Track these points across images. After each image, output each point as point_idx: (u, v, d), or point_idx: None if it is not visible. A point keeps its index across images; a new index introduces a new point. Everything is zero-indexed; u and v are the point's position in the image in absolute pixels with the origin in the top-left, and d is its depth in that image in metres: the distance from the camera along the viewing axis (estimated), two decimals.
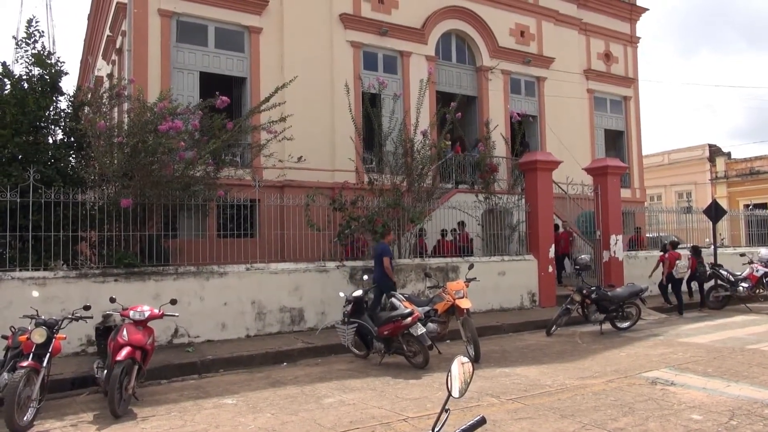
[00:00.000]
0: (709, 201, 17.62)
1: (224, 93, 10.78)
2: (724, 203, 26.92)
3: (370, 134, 14.31)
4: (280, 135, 11.03)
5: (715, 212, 15.72)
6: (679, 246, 14.21)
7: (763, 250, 14.48)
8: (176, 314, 7.14)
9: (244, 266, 10.02)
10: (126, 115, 10.66)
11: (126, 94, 10.77)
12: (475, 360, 8.13)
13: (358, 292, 8.63)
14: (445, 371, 6.74)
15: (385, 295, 9.71)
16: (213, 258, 10.17)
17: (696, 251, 13.76)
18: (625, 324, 10.72)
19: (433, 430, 1.86)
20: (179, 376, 7.65)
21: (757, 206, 26.52)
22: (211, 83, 13.78)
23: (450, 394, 1.94)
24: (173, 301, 7.00)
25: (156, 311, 6.61)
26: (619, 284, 12.60)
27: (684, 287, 13.55)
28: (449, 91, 17.31)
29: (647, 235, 19.69)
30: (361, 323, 8.35)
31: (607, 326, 10.68)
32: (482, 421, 1.98)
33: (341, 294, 8.85)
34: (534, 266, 13.34)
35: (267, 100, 11.00)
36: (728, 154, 34.81)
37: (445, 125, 13.81)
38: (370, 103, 13.69)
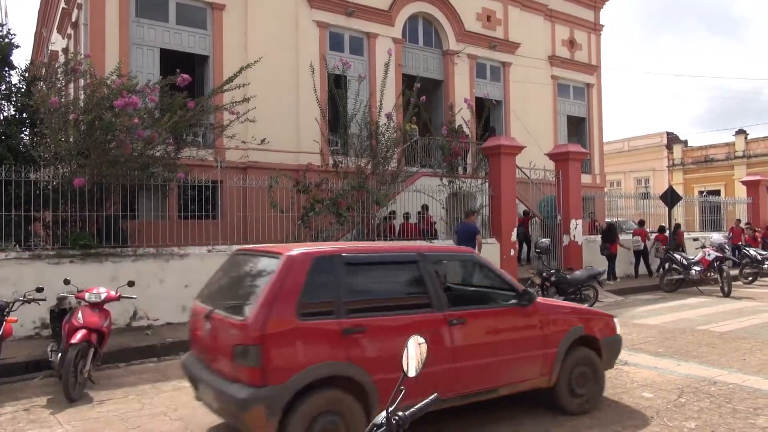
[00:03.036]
0: (666, 187, 18.13)
1: (186, 72, 10.52)
2: (680, 190, 27.73)
3: (335, 116, 14.22)
4: (243, 116, 10.85)
5: (670, 198, 16.21)
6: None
7: (715, 235, 15.03)
8: (134, 296, 7.01)
9: (206, 248, 9.87)
10: (82, 92, 10.32)
11: (82, 69, 10.39)
12: None
13: None
14: None
15: None
16: (174, 240, 9.99)
17: (661, 230, 15.86)
18: (583, 306, 10.98)
19: (386, 409, 1.88)
20: (138, 360, 7.53)
21: (710, 193, 27.48)
22: (172, 61, 13.41)
23: (405, 373, 1.96)
24: (131, 283, 6.86)
25: (113, 293, 6.47)
26: (578, 267, 12.91)
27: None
28: (416, 74, 17.28)
29: (606, 220, 20.19)
30: None
31: None
32: (436, 400, 2.01)
33: None
34: (497, 249, 13.51)
35: (231, 80, 10.78)
36: (685, 142, 35.83)
37: (409, 108, 13.80)
38: (336, 84, 13.56)
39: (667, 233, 16.11)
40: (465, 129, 16.75)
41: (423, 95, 14.30)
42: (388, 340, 4.27)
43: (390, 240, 12.39)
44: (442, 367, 4.43)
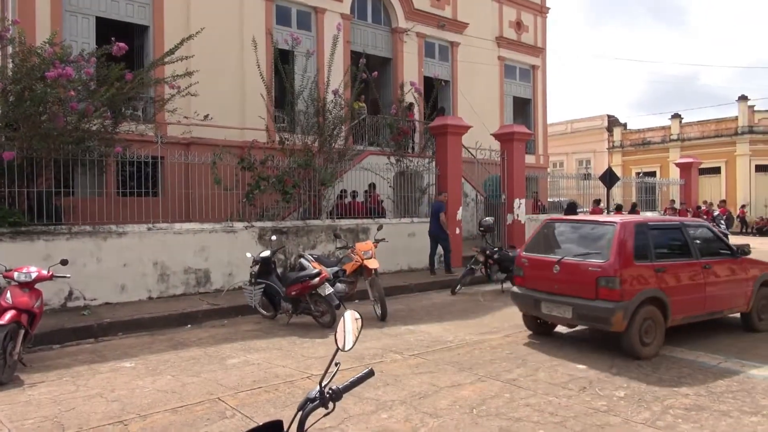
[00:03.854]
0: (606, 168, 18.76)
1: (125, 43, 10.04)
2: (619, 171, 28.79)
3: (282, 92, 13.95)
4: (185, 90, 10.49)
5: (609, 179, 16.79)
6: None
7: (649, 215, 15.67)
8: (68, 275, 6.74)
9: (146, 226, 9.58)
10: (10, 60, 9.71)
11: (9, 36, 9.77)
12: (382, 318, 8.33)
13: (266, 253, 8.51)
14: None
15: (295, 255, 9.70)
16: (112, 217, 9.64)
17: (618, 208, 17.22)
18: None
19: (320, 383, 1.88)
20: (73, 341, 7.27)
21: (647, 174, 28.61)
22: (109, 30, 12.71)
23: (338, 348, 1.96)
24: (64, 262, 6.59)
25: (44, 272, 6.20)
26: (520, 246, 13.24)
27: None
28: (364, 51, 17.13)
29: (548, 199, 20.75)
30: (269, 284, 8.27)
31: (507, 285, 11.19)
32: (370, 374, 2.03)
33: (248, 254, 8.69)
34: None
35: (172, 52, 10.36)
36: (624, 125, 37.09)
37: (357, 85, 13.66)
38: (282, 60, 13.28)
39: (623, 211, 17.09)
40: (416, 107, 16.79)
41: (374, 72, 14.21)
42: (677, 276, 6.69)
43: (338, 219, 12.37)
44: (700, 295, 6.90)
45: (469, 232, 16.35)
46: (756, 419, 4.55)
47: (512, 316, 8.75)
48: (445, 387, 5.28)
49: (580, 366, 5.99)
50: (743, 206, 30.08)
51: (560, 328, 7.65)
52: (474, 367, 5.92)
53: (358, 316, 2.07)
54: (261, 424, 1.93)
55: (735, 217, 27.81)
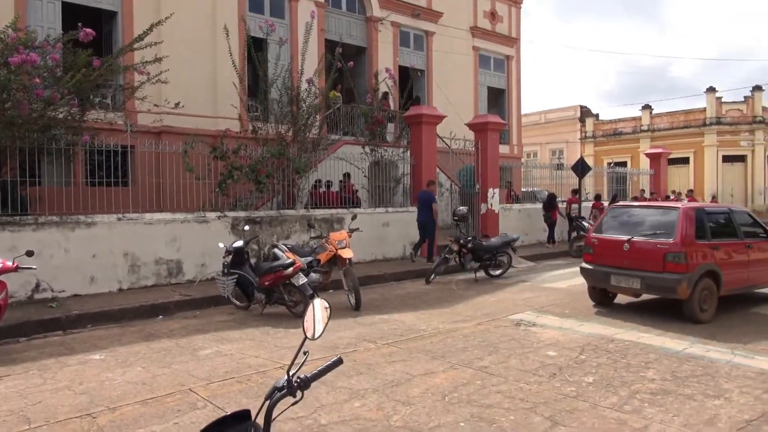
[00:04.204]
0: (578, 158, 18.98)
1: (92, 28, 9.78)
2: (591, 161, 29.15)
3: (255, 81, 13.78)
4: (155, 77, 10.28)
5: (581, 169, 17.01)
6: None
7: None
8: (34, 267, 6.60)
9: (116, 216, 9.41)
10: None
11: None
12: (356, 308, 8.34)
13: (239, 243, 8.44)
14: None
15: (269, 245, 9.64)
16: (81, 207, 9.44)
17: (597, 197, 18.00)
18: (498, 271, 11.45)
19: (288, 372, 1.88)
20: (41, 333, 7.12)
21: (617, 164, 29.05)
22: (76, 16, 12.43)
23: (306, 337, 1.96)
24: (29, 253, 6.43)
25: (9, 263, 6.05)
26: (494, 235, 13.37)
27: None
28: (338, 40, 16.98)
29: (522, 189, 20.95)
30: (242, 274, 8.20)
31: (481, 274, 11.37)
32: (339, 362, 2.03)
33: (221, 245, 8.61)
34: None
35: (141, 38, 10.13)
36: (596, 116, 37.53)
37: (332, 73, 13.57)
38: (255, 47, 13.10)
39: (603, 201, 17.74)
40: (390, 96, 16.75)
41: (349, 61, 14.11)
42: (728, 253, 7.96)
43: (313, 208, 12.32)
44: (744, 270, 8.18)
45: (444, 221, 16.40)
46: (718, 402, 4.68)
47: (485, 304, 8.86)
48: (418, 375, 5.32)
49: (551, 353, 6.09)
50: (714, 197, 30.78)
51: (620, 299, 8.83)
52: (447, 355, 5.97)
53: (327, 304, 2.07)
54: (229, 413, 1.92)
55: None
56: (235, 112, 13.30)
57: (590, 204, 17.45)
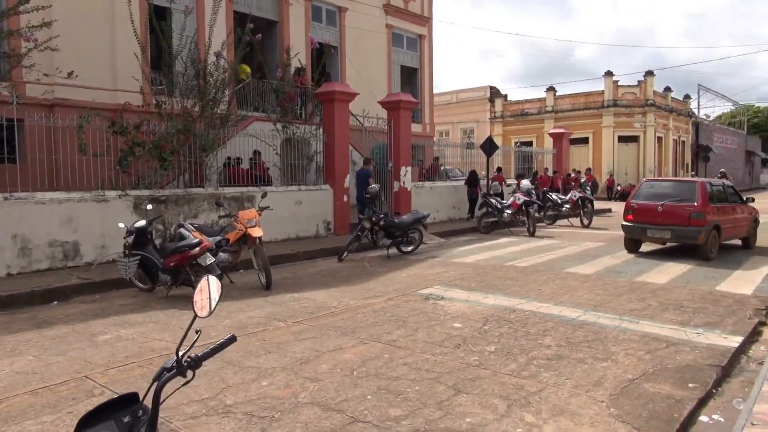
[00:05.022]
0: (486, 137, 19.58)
1: None
2: (500, 140, 30.21)
3: (158, 52, 13.06)
4: (43, 44, 9.51)
5: (489, 148, 17.58)
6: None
7: (524, 182, 16.65)
8: None
9: (2, 195, 8.69)
10: None
11: None
12: (267, 287, 8.24)
13: (141, 222, 8.06)
14: (236, 300, 6.70)
15: (175, 225, 9.28)
16: None
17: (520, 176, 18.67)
18: (409, 248, 11.67)
19: (177, 351, 1.82)
20: None
21: (524, 143, 30.29)
22: None
23: (196, 315, 1.90)
24: None
25: None
26: (407, 212, 13.59)
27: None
28: (248, 12, 16.40)
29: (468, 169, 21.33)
30: (145, 255, 7.86)
31: (393, 251, 11.54)
32: (232, 339, 1.99)
33: (121, 225, 8.18)
34: (330, 196, 13.71)
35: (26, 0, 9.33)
36: (505, 96, 38.83)
37: (242, 47, 13.09)
38: (158, 16, 12.39)
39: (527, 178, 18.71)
40: (303, 72, 16.43)
41: (257, 34, 13.65)
42: (725, 213, 11.34)
43: (224, 187, 11.95)
44: (733, 224, 11.54)
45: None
46: (606, 364, 5.05)
47: (397, 280, 9.02)
48: (327, 351, 5.36)
49: (457, 325, 6.31)
50: (610, 175, 32.84)
51: (645, 247, 12.14)
52: (356, 331, 6.04)
53: (217, 281, 2.01)
54: (116, 396, 1.84)
55: (600, 184, 30.34)
56: (137, 84, 12.57)
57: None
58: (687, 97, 40.04)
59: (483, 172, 18.30)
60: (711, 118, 45.50)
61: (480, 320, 6.50)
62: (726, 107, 50.81)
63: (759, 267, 10.18)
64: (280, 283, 8.67)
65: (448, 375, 4.75)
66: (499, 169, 18.55)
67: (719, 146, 42.10)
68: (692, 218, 10.66)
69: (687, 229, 10.71)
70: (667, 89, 35.99)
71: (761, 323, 6.52)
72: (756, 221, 12.78)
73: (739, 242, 12.57)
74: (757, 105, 56.30)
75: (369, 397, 4.29)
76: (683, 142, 39.08)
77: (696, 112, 41.03)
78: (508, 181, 18.82)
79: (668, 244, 12.22)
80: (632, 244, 11.89)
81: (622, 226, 11.76)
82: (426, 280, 8.96)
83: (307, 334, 5.94)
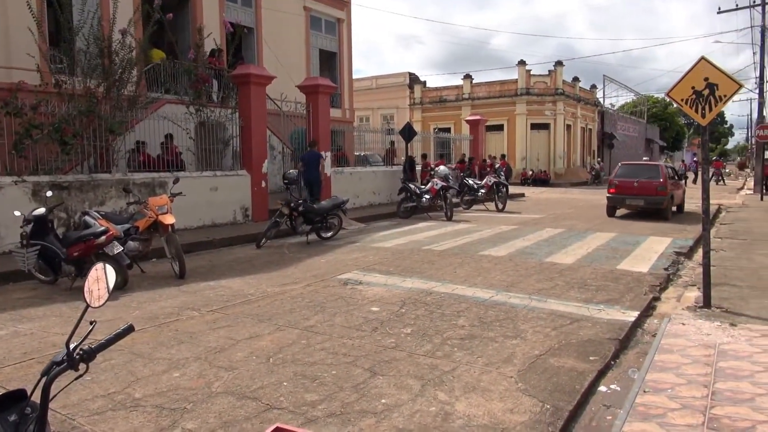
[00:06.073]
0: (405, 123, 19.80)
1: None
2: (419, 127, 30.62)
3: (57, 27, 12.17)
4: None
5: (408, 134, 17.79)
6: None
7: (441, 167, 17.00)
8: None
9: None
10: None
11: None
12: (181, 276, 7.97)
13: (40, 210, 7.54)
14: (147, 290, 6.44)
15: (80, 213, 8.77)
16: None
17: (461, 160, 20.30)
18: (329, 234, 11.64)
19: (67, 344, 1.72)
20: None
21: (442, 130, 30.86)
22: None
23: (88, 305, 1.80)
24: None
25: None
26: (326, 198, 13.53)
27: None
28: None
29: (355, 153, 21.38)
30: (46, 245, 7.37)
31: (312, 237, 11.47)
32: (129, 329, 1.91)
33: (17, 213, 7.62)
34: (247, 181, 13.41)
35: None
36: (424, 83, 39.32)
37: (151, 26, 12.44)
38: None
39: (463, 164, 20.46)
40: (218, 54, 15.87)
41: (168, 13, 13.02)
42: (675, 186, 16.33)
43: (133, 172, 11.38)
44: (678, 195, 16.50)
45: (277, 185, 16.23)
46: (516, 342, 5.28)
47: (315, 265, 8.99)
48: (243, 339, 5.27)
49: (374, 308, 6.38)
50: (523, 160, 34.12)
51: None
52: (273, 318, 5.98)
53: (110, 268, 1.90)
54: (1, 393, 1.72)
55: (513, 169, 31.50)
56: (33, 62, 11.67)
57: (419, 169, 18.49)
58: (593, 87, 42.16)
59: (403, 157, 18.51)
60: (615, 108, 48.20)
61: (397, 303, 6.60)
62: (628, 97, 53.97)
63: (654, 247, 10.94)
64: (194, 271, 8.41)
65: (364, 358, 4.80)
66: (424, 156, 19.05)
67: (622, 134, 44.73)
68: (659, 190, 14.89)
69: (654, 198, 14.98)
70: (575, 79, 37.74)
71: (655, 299, 7.04)
72: (684, 192, 17.75)
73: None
74: (655, 96, 60.21)
75: (285, 383, 4.26)
76: (590, 129, 41.19)
77: (601, 102, 43.33)
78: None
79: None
80: (612, 210, 15.90)
81: (607, 197, 15.79)
82: (345, 265, 8.98)
83: (222, 323, 5.81)
